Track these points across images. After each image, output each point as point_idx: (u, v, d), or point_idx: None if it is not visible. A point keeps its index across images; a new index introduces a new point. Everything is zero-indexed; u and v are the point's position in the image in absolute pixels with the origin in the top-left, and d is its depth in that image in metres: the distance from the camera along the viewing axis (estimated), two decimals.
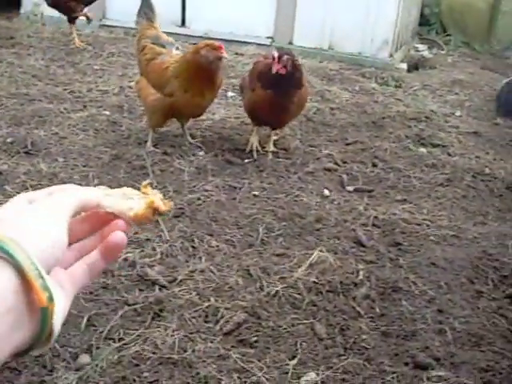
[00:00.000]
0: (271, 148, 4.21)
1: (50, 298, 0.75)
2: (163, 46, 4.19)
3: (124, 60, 6.02)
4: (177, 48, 4.34)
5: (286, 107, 3.99)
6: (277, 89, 3.87)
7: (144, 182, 0.98)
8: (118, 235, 0.89)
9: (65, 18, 7.35)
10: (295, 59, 3.92)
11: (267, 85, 3.90)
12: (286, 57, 3.80)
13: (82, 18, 6.45)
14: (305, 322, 2.56)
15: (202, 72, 3.84)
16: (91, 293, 2.61)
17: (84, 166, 3.74)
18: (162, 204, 0.94)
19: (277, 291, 2.69)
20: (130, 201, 0.91)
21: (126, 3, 7.17)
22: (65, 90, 5.04)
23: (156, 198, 0.94)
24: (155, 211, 0.93)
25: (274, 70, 3.78)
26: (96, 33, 7.05)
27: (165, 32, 7.03)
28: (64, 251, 0.81)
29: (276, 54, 3.81)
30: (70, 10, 6.36)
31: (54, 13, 7.55)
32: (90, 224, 0.91)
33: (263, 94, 3.94)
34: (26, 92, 4.93)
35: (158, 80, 3.99)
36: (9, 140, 3.98)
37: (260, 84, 3.96)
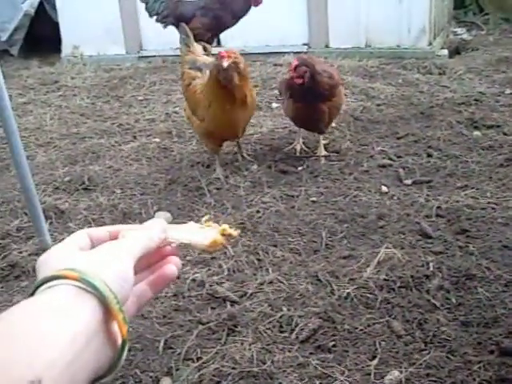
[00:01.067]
0: (322, 152, 4.19)
1: (129, 331, 0.81)
2: (200, 70, 4.11)
3: (166, 87, 6.11)
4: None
5: (318, 118, 4.01)
6: (304, 101, 3.91)
7: (205, 217, 1.05)
8: (171, 268, 0.96)
9: (104, 55, 7.57)
10: (317, 72, 3.86)
11: (295, 97, 3.96)
12: (303, 68, 3.80)
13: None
14: (381, 320, 2.52)
15: (219, 89, 3.73)
16: (164, 316, 2.63)
17: (142, 195, 3.80)
18: (232, 231, 1.02)
19: (348, 293, 2.67)
20: (200, 232, 0.99)
21: (161, 33, 7.33)
22: (113, 124, 5.15)
23: (225, 226, 1.02)
24: (228, 237, 1.01)
25: (289, 77, 3.88)
26: (135, 65, 7.20)
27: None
28: (131, 289, 0.86)
29: (294, 63, 3.83)
30: (197, 37, 6.53)
31: (93, 52, 7.78)
32: (147, 260, 0.95)
33: (293, 106, 4.01)
34: (77, 131, 5.06)
35: (192, 106, 4.00)
36: (66, 179, 4.09)
37: (289, 96, 4.03)
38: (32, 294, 0.78)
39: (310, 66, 3.86)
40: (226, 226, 1.01)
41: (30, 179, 3.10)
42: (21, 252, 3.18)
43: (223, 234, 0.99)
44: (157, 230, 0.95)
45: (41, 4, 8.47)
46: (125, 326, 0.79)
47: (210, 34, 6.46)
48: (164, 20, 6.37)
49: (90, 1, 7.73)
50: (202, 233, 0.98)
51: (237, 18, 6.19)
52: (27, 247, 3.23)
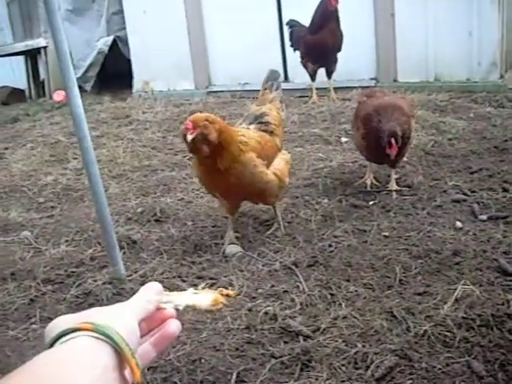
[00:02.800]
0: (394, 187, 4.13)
1: (142, 375, 0.88)
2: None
3: (235, 121, 6.15)
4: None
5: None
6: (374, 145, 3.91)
7: (201, 285, 1.18)
8: (172, 326, 1.01)
9: (173, 91, 7.76)
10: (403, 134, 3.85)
11: (367, 138, 3.96)
12: (394, 141, 3.79)
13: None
14: (460, 360, 2.43)
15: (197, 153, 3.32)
16: (237, 349, 2.61)
17: (213, 227, 3.82)
18: (230, 291, 1.11)
19: (425, 331, 2.58)
20: (200, 295, 1.09)
21: (229, 68, 7.49)
22: (184, 157, 5.23)
23: (221, 289, 1.11)
24: (227, 297, 1.09)
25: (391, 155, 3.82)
26: (204, 99, 7.33)
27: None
28: (138, 341, 0.93)
29: (393, 141, 3.78)
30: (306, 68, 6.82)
31: (164, 88, 7.98)
32: (147, 325, 1.01)
33: (364, 143, 4.01)
34: (148, 163, 5.17)
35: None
36: (139, 210, 4.16)
37: (364, 131, 3.99)
38: (51, 346, 0.86)
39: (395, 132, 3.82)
40: (222, 289, 1.11)
41: (107, 209, 3.16)
42: (95, 280, 3.23)
43: (222, 295, 1.08)
44: (150, 292, 1.02)
45: (114, 42, 8.77)
46: (138, 371, 0.87)
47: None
48: None
49: (160, 38, 7.96)
50: (202, 295, 1.08)
51: None
52: (101, 276, 3.28)
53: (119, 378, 0.86)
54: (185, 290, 1.12)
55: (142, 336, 0.96)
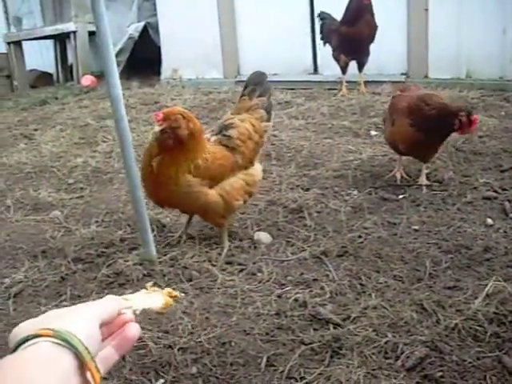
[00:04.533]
0: (424, 181, 4.11)
1: (102, 378, 0.92)
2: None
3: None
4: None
5: (433, 147, 3.98)
6: (430, 132, 3.85)
7: (149, 283, 1.22)
8: (132, 329, 1.05)
9: (202, 79, 7.79)
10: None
11: (420, 126, 3.87)
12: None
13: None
14: (490, 354, 2.42)
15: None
16: (267, 333, 2.62)
17: (242, 214, 3.83)
18: (177, 293, 1.20)
19: (455, 324, 2.58)
20: (151, 297, 1.16)
21: (259, 58, 7.48)
22: None
23: (169, 289, 1.19)
24: (175, 298, 1.19)
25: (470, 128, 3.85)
26: (233, 89, 7.33)
27: (297, 81, 7.25)
28: (99, 344, 0.96)
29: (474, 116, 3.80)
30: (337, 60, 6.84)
31: (192, 76, 8.00)
32: (108, 330, 1.04)
33: (410, 133, 3.93)
34: None
35: None
36: None
37: (410, 122, 3.93)
38: (14, 351, 0.89)
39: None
40: (169, 289, 1.19)
41: (140, 191, 3.18)
42: (126, 261, 3.26)
43: (170, 296, 1.17)
44: (113, 300, 1.06)
45: (144, 28, 8.80)
46: (97, 375, 0.91)
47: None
48: None
49: (191, 26, 7.98)
50: (153, 297, 1.16)
51: None
52: (132, 257, 3.31)
53: (80, 381, 0.89)
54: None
55: (103, 340, 1.00)
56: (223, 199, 3.29)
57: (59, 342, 0.88)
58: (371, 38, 6.56)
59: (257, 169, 3.51)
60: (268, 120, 3.57)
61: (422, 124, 3.88)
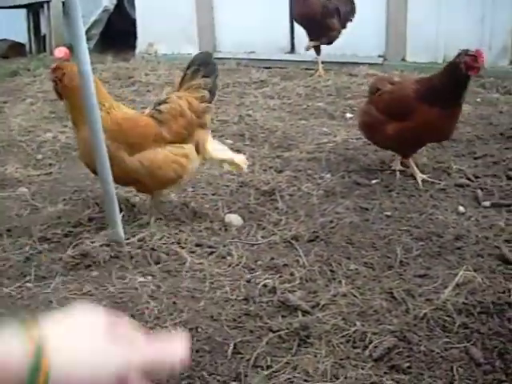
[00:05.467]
0: (398, 167, 4.08)
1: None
2: None
3: (239, 90, 6.10)
4: None
5: (449, 123, 3.83)
6: (447, 102, 3.70)
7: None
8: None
9: (178, 54, 7.67)
10: None
11: (435, 101, 3.68)
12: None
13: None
14: (458, 345, 2.41)
15: None
16: (234, 320, 2.59)
17: (213, 195, 3.77)
18: None
19: (425, 314, 2.56)
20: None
21: (236, 35, 7.37)
22: None
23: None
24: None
25: (469, 71, 3.64)
26: None
27: (274, 60, 7.16)
28: None
29: (480, 51, 3.66)
30: None
31: (168, 51, 7.86)
32: None
33: (430, 114, 3.70)
34: None
35: None
36: None
37: (423, 105, 3.72)
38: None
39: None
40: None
41: (109, 169, 3.10)
42: (93, 242, 3.18)
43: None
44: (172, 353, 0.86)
45: (120, 1, 8.61)
46: None
47: None
48: None
49: (168, 0, 7.81)
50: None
51: None
52: (99, 238, 3.23)
53: None
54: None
55: None
56: (144, 167, 3.29)
57: (30, 360, 0.76)
58: (320, 19, 6.44)
59: (190, 147, 3.47)
60: (210, 101, 3.53)
61: (441, 96, 3.71)
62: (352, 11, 6.59)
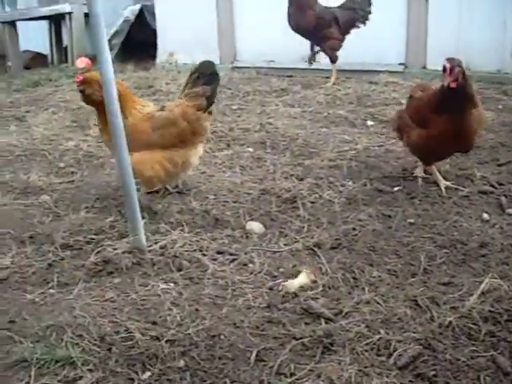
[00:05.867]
0: (421, 173, 4.05)
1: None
2: None
3: (260, 98, 6.10)
4: None
5: (464, 129, 3.68)
6: (451, 110, 3.61)
7: None
8: None
9: (195, 64, 7.69)
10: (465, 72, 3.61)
11: (441, 109, 3.64)
12: (457, 69, 3.52)
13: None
14: (485, 354, 2.37)
15: None
16: (257, 327, 2.57)
17: (234, 202, 3.76)
18: None
19: (450, 322, 2.52)
20: None
21: (255, 45, 7.39)
22: None
23: None
24: None
25: (445, 83, 3.56)
26: (229, 75, 7.24)
27: (293, 68, 7.14)
28: None
29: (448, 65, 3.53)
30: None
31: (187, 60, 7.89)
32: None
33: (440, 122, 3.65)
34: None
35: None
36: None
37: (435, 113, 3.69)
38: None
39: (461, 66, 3.58)
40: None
41: (131, 177, 3.11)
42: (115, 249, 3.18)
43: None
44: None
45: (141, 11, 8.68)
46: None
47: None
48: None
49: (188, 11, 7.86)
50: None
51: None
52: (121, 245, 3.23)
53: None
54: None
55: None
56: (135, 165, 3.33)
57: None
58: (315, 29, 6.51)
59: (184, 152, 3.70)
60: (206, 109, 3.72)
61: (444, 105, 3.65)
62: (355, 19, 6.61)
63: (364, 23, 6.65)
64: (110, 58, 2.95)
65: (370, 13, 6.60)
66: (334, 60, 6.64)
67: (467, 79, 3.64)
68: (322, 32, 6.51)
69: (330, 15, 6.50)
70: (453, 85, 3.53)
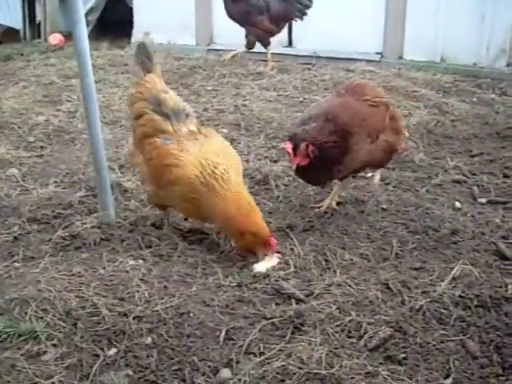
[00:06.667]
0: (333, 204, 3.46)
1: None
2: (167, 118, 3.02)
3: (235, 80, 6.03)
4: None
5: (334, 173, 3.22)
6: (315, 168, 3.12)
7: None
8: None
9: (174, 44, 7.62)
10: (321, 139, 3.06)
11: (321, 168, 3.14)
12: (302, 145, 3.02)
13: None
14: (455, 338, 2.37)
15: None
16: (227, 306, 2.53)
17: None
18: None
19: (421, 306, 2.52)
20: None
21: (232, 28, 7.28)
22: None
23: None
24: None
25: (293, 167, 3.13)
26: (205, 56, 7.15)
27: (271, 53, 7.09)
28: None
29: (289, 147, 3.05)
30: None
31: (164, 41, 7.78)
32: None
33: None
34: None
35: (154, 174, 3.01)
36: None
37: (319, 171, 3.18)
38: None
39: (307, 136, 3.05)
40: None
41: (103, 151, 3.05)
42: (83, 223, 3.12)
43: None
44: None
45: None
46: None
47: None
48: None
49: None
50: None
51: None
52: (89, 220, 3.17)
53: None
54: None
55: None
56: None
57: None
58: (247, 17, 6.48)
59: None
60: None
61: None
62: (290, 11, 6.54)
63: (301, 17, 6.60)
64: (84, 26, 2.87)
65: (308, 7, 6.54)
66: (265, 46, 6.63)
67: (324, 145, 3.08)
68: (252, 20, 6.48)
69: (263, 4, 6.48)
70: (304, 162, 3.07)
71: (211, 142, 3.01)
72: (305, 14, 6.58)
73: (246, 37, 6.63)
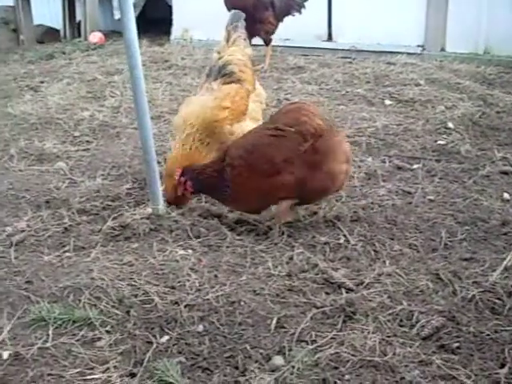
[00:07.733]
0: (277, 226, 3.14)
1: None
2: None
3: (277, 75, 6.05)
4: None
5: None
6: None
7: None
8: None
9: (212, 40, 7.63)
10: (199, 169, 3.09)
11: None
12: (182, 178, 3.08)
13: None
14: (509, 328, 2.33)
15: None
16: (278, 295, 2.54)
17: None
18: None
19: (473, 296, 2.49)
20: None
21: None
22: None
23: None
24: None
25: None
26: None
27: (310, 47, 7.07)
28: None
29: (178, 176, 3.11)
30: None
31: (203, 37, 7.83)
32: None
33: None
34: None
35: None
36: None
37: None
38: None
39: (189, 171, 3.09)
40: None
41: (152, 143, 3.07)
42: (133, 214, 3.15)
43: None
44: None
45: None
46: None
47: None
48: None
49: None
50: None
51: None
52: (138, 211, 3.20)
53: None
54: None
55: None
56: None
57: None
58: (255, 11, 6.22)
59: (257, 87, 3.84)
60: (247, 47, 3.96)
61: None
62: (291, 6, 6.49)
63: (299, 12, 6.55)
64: (133, 16, 2.91)
65: (305, 0, 6.51)
66: (268, 43, 6.54)
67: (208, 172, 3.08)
68: (258, 15, 6.39)
69: (268, 0, 6.41)
70: (187, 192, 3.13)
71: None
72: (303, 7, 6.54)
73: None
